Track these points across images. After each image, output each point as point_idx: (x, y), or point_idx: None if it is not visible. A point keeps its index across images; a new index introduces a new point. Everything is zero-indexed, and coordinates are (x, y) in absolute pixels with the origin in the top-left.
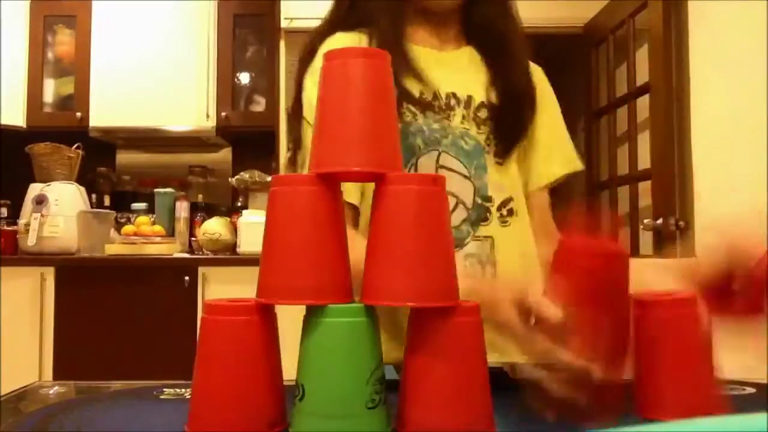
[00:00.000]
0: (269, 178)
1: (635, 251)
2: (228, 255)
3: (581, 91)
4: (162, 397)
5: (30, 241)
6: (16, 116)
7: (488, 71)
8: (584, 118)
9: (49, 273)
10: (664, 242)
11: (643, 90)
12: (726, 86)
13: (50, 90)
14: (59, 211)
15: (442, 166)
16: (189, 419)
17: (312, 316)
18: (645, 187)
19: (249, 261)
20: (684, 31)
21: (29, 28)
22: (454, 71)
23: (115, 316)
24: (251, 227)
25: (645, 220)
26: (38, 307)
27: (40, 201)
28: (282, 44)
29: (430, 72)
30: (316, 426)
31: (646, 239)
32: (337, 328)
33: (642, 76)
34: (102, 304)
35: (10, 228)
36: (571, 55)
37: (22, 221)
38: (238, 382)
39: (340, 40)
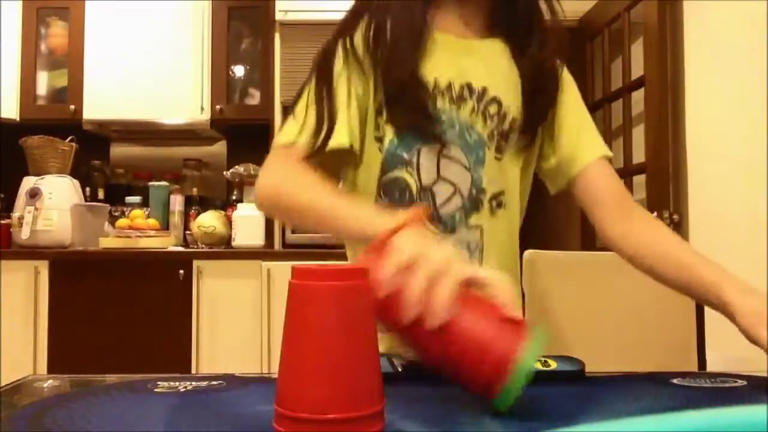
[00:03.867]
0: None
1: None
2: (223, 248)
3: (576, 84)
4: (156, 390)
5: (24, 235)
6: (9, 109)
7: (514, 65)
8: None
9: (43, 266)
10: None
11: (638, 84)
12: (721, 80)
13: (43, 83)
14: (53, 204)
15: (446, 156)
16: (278, 399)
17: None
18: (640, 180)
19: (244, 254)
20: (679, 24)
21: (22, 20)
22: (476, 61)
23: (109, 310)
24: (246, 221)
25: None
26: (32, 300)
27: (34, 194)
28: (277, 37)
29: (448, 60)
30: None
31: None
32: None
33: (637, 70)
34: (96, 297)
35: (3, 221)
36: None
37: (15, 214)
38: (341, 355)
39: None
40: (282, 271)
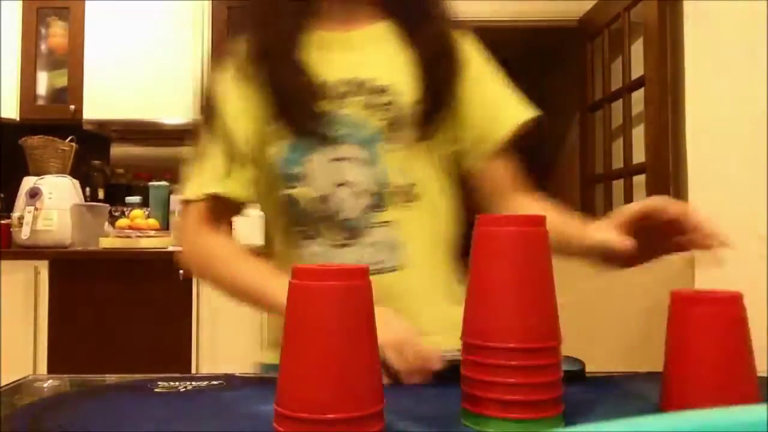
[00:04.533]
0: None
1: None
2: None
3: (576, 84)
4: (157, 390)
5: (24, 235)
6: (9, 109)
7: (405, 47)
8: (579, 112)
9: (43, 266)
10: None
11: (638, 84)
12: (721, 80)
13: (43, 82)
14: (53, 204)
15: (341, 158)
16: (279, 399)
17: None
18: (639, 180)
19: None
20: (679, 24)
21: (22, 20)
22: (363, 53)
23: (109, 310)
24: (245, 221)
25: None
26: (32, 300)
27: (34, 194)
28: None
29: (333, 57)
30: None
31: None
32: None
33: (637, 70)
34: (96, 297)
35: (3, 221)
36: (566, 49)
37: (15, 214)
38: (341, 356)
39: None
40: None
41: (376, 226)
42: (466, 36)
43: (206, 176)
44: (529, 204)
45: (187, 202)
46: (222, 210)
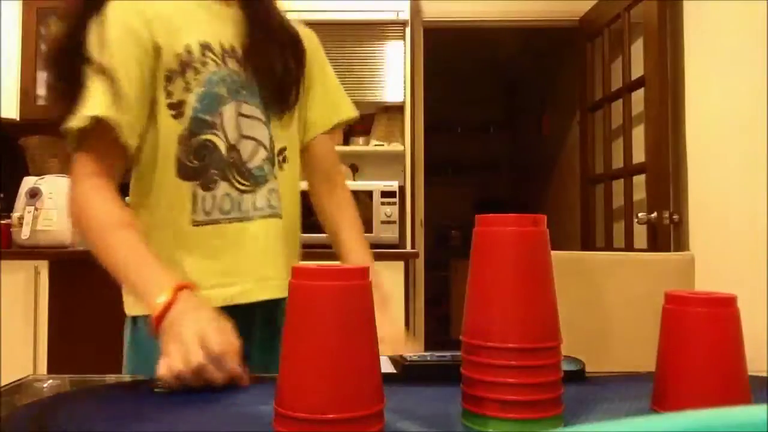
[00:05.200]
0: None
1: (629, 245)
2: None
3: (576, 84)
4: (156, 390)
5: (23, 235)
6: (9, 109)
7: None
8: (579, 112)
9: (43, 266)
10: (658, 236)
11: (638, 84)
12: (721, 80)
13: (43, 82)
14: (53, 204)
15: (244, 114)
16: (278, 399)
17: None
18: (639, 180)
19: None
20: (679, 24)
21: (22, 20)
22: (228, 25)
23: (109, 310)
24: None
25: (639, 214)
26: (32, 300)
27: (34, 194)
28: None
29: (215, 24)
30: None
31: (640, 233)
32: None
33: (637, 70)
34: (96, 297)
35: (3, 221)
36: (566, 49)
37: (15, 214)
38: (341, 356)
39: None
40: None
41: (271, 178)
42: (312, 34)
43: (90, 103)
44: (339, 210)
45: (75, 148)
46: (110, 157)
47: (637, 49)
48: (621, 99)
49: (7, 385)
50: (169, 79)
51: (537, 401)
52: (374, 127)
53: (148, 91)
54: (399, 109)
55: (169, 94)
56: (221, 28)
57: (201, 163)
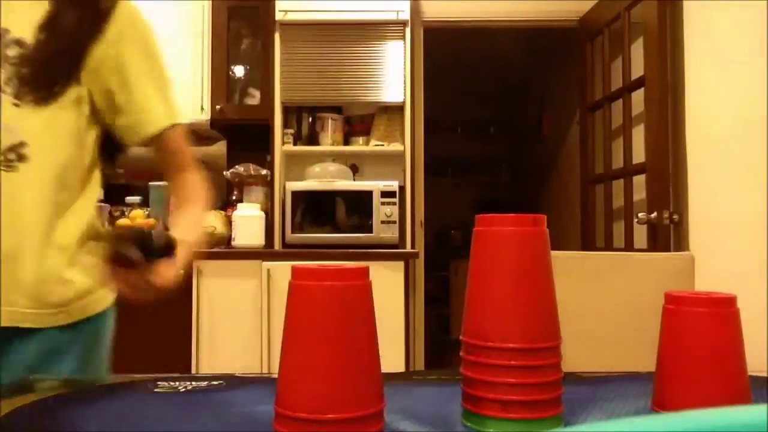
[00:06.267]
0: (264, 172)
1: (629, 245)
2: (223, 248)
3: (576, 84)
4: (156, 390)
5: None
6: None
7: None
8: (579, 112)
9: None
10: (658, 236)
11: (638, 84)
12: (721, 80)
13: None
14: None
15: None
16: (278, 399)
17: None
18: (639, 180)
19: (244, 254)
20: (679, 24)
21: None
22: (7, 5)
23: None
24: (246, 221)
25: (639, 214)
26: None
27: None
28: (277, 37)
29: None
30: None
31: (640, 233)
32: None
33: (637, 70)
34: None
35: None
36: (566, 49)
37: None
38: (341, 356)
39: None
40: (282, 271)
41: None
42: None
43: None
44: (183, 191)
45: None
46: None
47: (637, 49)
48: (621, 99)
49: (7, 385)
50: None
51: (537, 401)
52: (374, 127)
53: None
54: (399, 109)
55: None
56: None
57: None
